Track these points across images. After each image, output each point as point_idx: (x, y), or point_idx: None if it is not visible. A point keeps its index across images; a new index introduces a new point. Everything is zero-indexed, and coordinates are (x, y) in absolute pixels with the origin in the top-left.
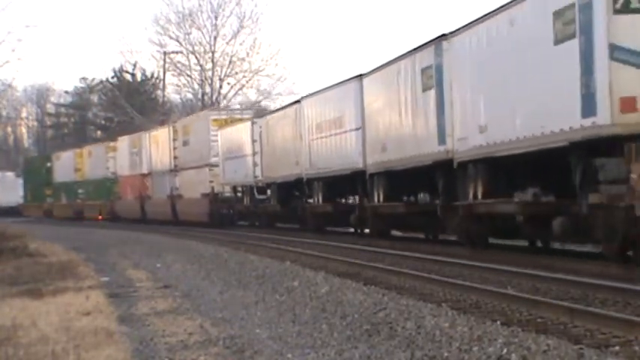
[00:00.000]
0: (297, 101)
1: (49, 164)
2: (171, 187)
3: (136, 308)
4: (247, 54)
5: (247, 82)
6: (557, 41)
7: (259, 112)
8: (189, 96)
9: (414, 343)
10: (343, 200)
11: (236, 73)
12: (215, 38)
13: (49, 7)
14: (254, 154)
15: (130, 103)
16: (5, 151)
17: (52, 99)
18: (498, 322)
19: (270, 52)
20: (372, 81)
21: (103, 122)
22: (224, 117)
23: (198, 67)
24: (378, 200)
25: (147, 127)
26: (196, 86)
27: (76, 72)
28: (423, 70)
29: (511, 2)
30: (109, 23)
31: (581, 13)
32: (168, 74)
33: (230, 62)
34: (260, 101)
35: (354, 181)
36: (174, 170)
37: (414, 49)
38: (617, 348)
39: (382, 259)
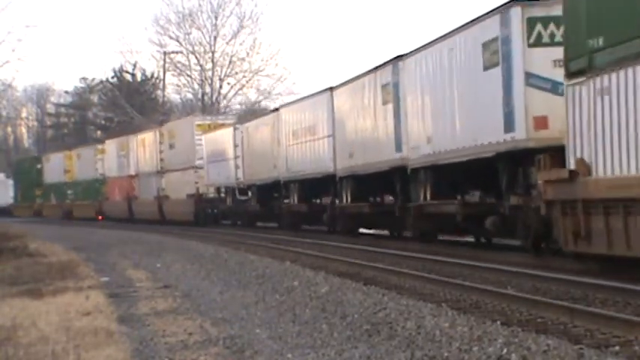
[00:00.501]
0: (276, 109)
1: (39, 166)
2: (158, 188)
3: (136, 308)
4: (247, 54)
5: (247, 82)
6: (486, 68)
7: (241, 118)
8: (189, 96)
9: (414, 343)
10: (317, 201)
11: (236, 73)
12: (215, 38)
13: (49, 7)
14: (236, 157)
15: (130, 103)
16: (5, 151)
17: (52, 99)
18: (498, 322)
19: (270, 52)
20: (341, 93)
21: (103, 122)
22: (208, 122)
23: (198, 67)
24: (347, 201)
25: (146, 127)
26: (196, 86)
27: (76, 72)
28: (383, 86)
29: (451, 32)
30: (109, 23)
31: (503, 45)
32: (168, 74)
33: (230, 62)
34: (260, 101)
35: (326, 183)
36: (161, 172)
37: (376, 67)
38: (617, 348)
39: (382, 259)
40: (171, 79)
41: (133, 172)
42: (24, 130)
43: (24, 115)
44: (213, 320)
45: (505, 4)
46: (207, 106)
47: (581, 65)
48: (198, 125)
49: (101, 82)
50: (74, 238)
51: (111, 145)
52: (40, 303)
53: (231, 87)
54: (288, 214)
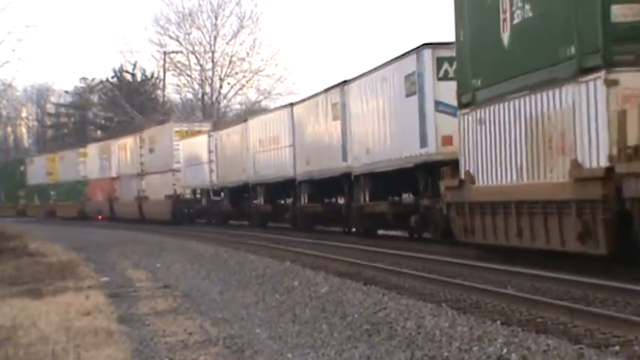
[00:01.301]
0: (245, 120)
1: (22, 168)
2: (138, 189)
3: (136, 308)
4: (247, 54)
5: (247, 82)
6: (407, 95)
7: (215, 126)
8: (189, 96)
9: (414, 343)
10: (281, 201)
11: (236, 73)
12: (215, 38)
13: (49, 7)
14: (210, 162)
15: (130, 103)
16: (5, 151)
17: (52, 99)
18: (498, 322)
19: (270, 52)
20: (300, 109)
21: (103, 122)
22: (185, 129)
23: (198, 67)
24: (305, 201)
25: (147, 126)
26: (196, 86)
27: (76, 72)
28: (333, 105)
29: (383, 65)
30: (109, 23)
31: (418, 78)
32: (168, 74)
33: (230, 62)
34: (260, 101)
35: (287, 186)
36: (141, 174)
37: (328, 88)
38: (617, 348)
39: (382, 259)
40: (171, 79)
41: (114, 175)
42: (24, 130)
43: (24, 115)
44: (213, 320)
45: (420, 46)
46: (207, 106)
47: (467, 99)
48: (177, 131)
49: (101, 82)
50: (74, 238)
51: (93, 149)
52: (40, 303)
53: (231, 87)
54: (256, 213)
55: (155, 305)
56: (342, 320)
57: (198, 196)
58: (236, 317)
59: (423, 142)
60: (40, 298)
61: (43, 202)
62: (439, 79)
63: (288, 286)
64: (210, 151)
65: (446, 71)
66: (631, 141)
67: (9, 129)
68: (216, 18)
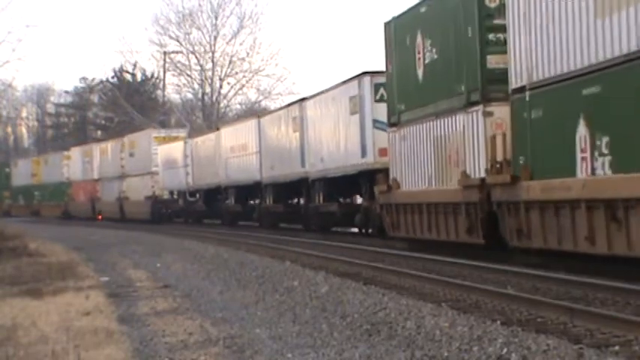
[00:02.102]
0: (218, 129)
1: (7, 170)
2: (119, 190)
3: (136, 308)
4: (247, 54)
5: (247, 82)
6: (351, 113)
7: (191, 133)
8: (189, 96)
9: (414, 343)
10: (250, 202)
11: (236, 73)
12: (215, 38)
13: (49, 7)
14: (186, 166)
15: (130, 103)
16: (5, 151)
17: (52, 99)
18: (498, 322)
19: (270, 52)
20: (266, 121)
21: (103, 122)
22: (163, 135)
23: (198, 67)
24: (270, 202)
25: (147, 126)
26: (196, 86)
27: (76, 72)
28: (293, 119)
29: (333, 87)
30: (109, 23)
31: (360, 100)
32: (168, 74)
33: (230, 62)
34: (260, 101)
35: (255, 189)
36: (122, 177)
37: (289, 104)
38: (617, 348)
39: (382, 259)
40: (171, 79)
41: (96, 177)
42: (24, 130)
43: (24, 115)
44: (213, 320)
45: (361, 73)
46: (207, 106)
47: (394, 120)
48: (155, 137)
49: (101, 82)
50: (74, 238)
51: (76, 153)
52: (40, 303)
53: (231, 87)
54: (227, 212)
55: (155, 305)
56: (342, 320)
57: (175, 197)
58: (236, 317)
59: (364, 153)
60: (40, 298)
61: (28, 203)
62: (376, 101)
63: (288, 286)
64: (186, 156)
65: (382, 95)
66: (499, 158)
67: (9, 129)
68: (216, 18)
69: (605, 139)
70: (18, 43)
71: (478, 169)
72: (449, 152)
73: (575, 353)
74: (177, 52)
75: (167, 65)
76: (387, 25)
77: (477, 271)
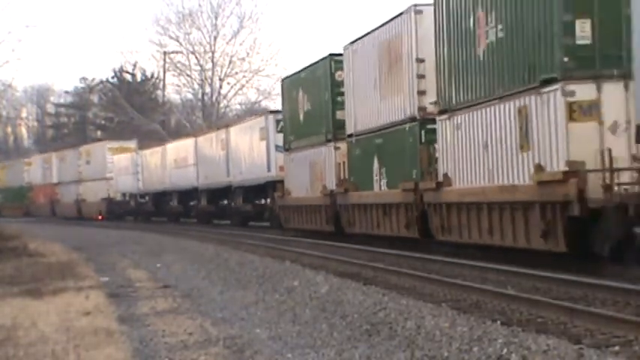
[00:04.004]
0: (164, 144)
1: None
2: (77, 193)
3: (135, 308)
4: (247, 54)
5: (247, 82)
6: (261, 140)
7: (141, 145)
8: (189, 96)
9: (414, 343)
10: (190, 203)
11: (236, 73)
12: (215, 38)
13: (49, 7)
14: (136, 173)
15: (130, 103)
16: (5, 151)
17: (52, 99)
18: (498, 322)
19: (270, 52)
20: (201, 140)
21: (103, 122)
22: (116, 146)
23: (198, 67)
24: (204, 203)
25: (146, 126)
26: (196, 86)
27: (76, 72)
28: (221, 140)
29: (248, 118)
30: (109, 23)
31: (266, 131)
32: (168, 74)
33: (230, 62)
34: (260, 101)
35: (193, 193)
36: (79, 181)
37: (218, 128)
38: (617, 348)
39: (382, 259)
40: (171, 79)
41: (55, 181)
42: (24, 130)
43: (24, 115)
44: (213, 320)
45: (268, 112)
46: (207, 106)
47: (287, 146)
48: (109, 148)
49: (101, 82)
50: (74, 238)
51: (37, 160)
52: (40, 303)
53: (231, 87)
54: (171, 212)
55: (155, 305)
56: (342, 320)
57: (127, 198)
58: (236, 317)
59: (269, 169)
60: (40, 298)
61: None
62: (278, 131)
63: (288, 286)
64: (137, 165)
65: (281, 127)
66: (341, 177)
67: (9, 129)
68: (216, 18)
69: (384, 169)
70: (18, 43)
71: (331, 184)
72: (317, 171)
73: (575, 353)
74: (177, 52)
75: (167, 65)
76: (282, 81)
77: (477, 271)
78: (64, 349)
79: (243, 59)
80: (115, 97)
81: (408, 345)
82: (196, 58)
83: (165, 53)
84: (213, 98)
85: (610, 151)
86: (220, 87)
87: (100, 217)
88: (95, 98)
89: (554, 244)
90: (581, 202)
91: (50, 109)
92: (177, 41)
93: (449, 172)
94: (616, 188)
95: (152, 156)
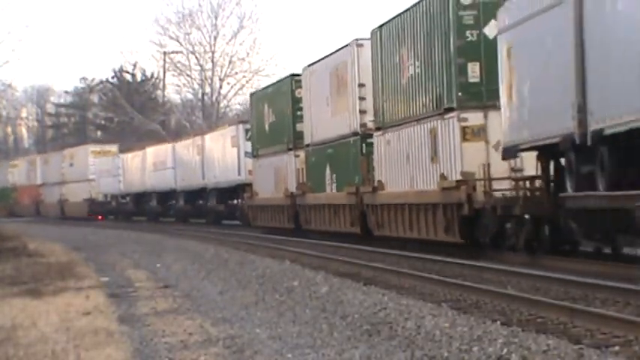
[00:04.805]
0: (144, 148)
1: None
2: (60, 194)
3: (136, 308)
4: (247, 54)
5: (247, 82)
6: (232, 146)
7: (122, 149)
8: (190, 96)
9: (414, 343)
10: (168, 203)
11: (236, 73)
12: (215, 38)
13: (50, 7)
14: (118, 175)
15: (130, 103)
16: (5, 151)
17: (52, 99)
18: (498, 322)
19: (271, 52)
20: (179, 146)
21: (103, 122)
22: (98, 149)
23: (198, 67)
24: (182, 203)
25: (146, 126)
26: (196, 86)
27: (76, 72)
28: (198, 146)
29: (220, 128)
30: (109, 23)
31: (237, 138)
32: (168, 74)
33: (230, 62)
34: None
35: (171, 194)
36: (63, 183)
37: (195, 135)
38: (617, 348)
39: (382, 259)
40: (171, 79)
41: (39, 182)
42: (24, 130)
43: (24, 115)
44: (213, 320)
45: (238, 122)
46: (207, 106)
47: (255, 153)
48: (92, 152)
49: (101, 82)
50: (73, 238)
51: (22, 162)
52: (40, 303)
53: (231, 87)
54: (151, 211)
55: (155, 305)
56: (342, 320)
57: (108, 199)
58: (236, 317)
59: (239, 173)
60: (40, 298)
61: None
62: (247, 139)
63: (288, 286)
64: (118, 167)
65: (250, 136)
66: (300, 181)
67: (9, 129)
68: (216, 18)
69: (334, 175)
70: (18, 43)
71: (292, 186)
72: (280, 175)
73: (575, 353)
74: (177, 52)
75: (167, 65)
76: (251, 96)
77: (477, 271)
78: (64, 349)
79: (243, 59)
80: (115, 97)
81: (408, 345)
82: (196, 58)
83: (165, 53)
84: (213, 98)
85: (489, 165)
86: (220, 87)
87: (99, 218)
88: (95, 98)
89: (452, 237)
90: (469, 203)
91: (50, 109)
92: (178, 41)
93: (382, 179)
94: (496, 193)
95: (133, 159)
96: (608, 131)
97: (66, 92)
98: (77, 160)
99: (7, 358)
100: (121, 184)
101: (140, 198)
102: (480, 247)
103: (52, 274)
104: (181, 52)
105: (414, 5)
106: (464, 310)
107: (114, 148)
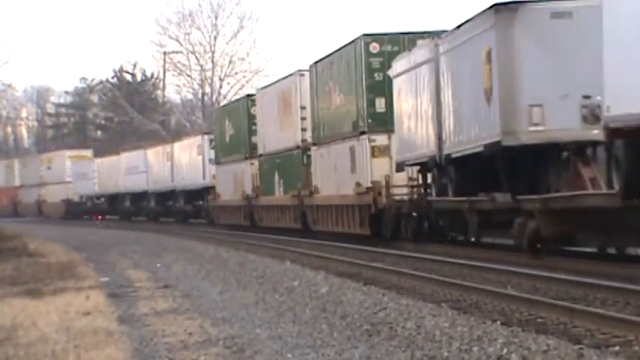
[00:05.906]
0: (118, 153)
1: None
2: (39, 195)
3: (135, 308)
4: (247, 54)
5: (247, 82)
6: (198, 154)
7: (96, 154)
8: (190, 96)
9: (414, 343)
10: (140, 204)
11: (236, 73)
12: (215, 38)
13: (50, 7)
14: (93, 177)
15: (130, 103)
16: (5, 151)
17: (52, 99)
18: (498, 322)
19: (270, 52)
20: (150, 153)
21: (103, 122)
22: (75, 154)
23: (198, 67)
24: (153, 204)
25: (146, 126)
26: (196, 86)
27: (76, 72)
28: (167, 153)
29: (188, 138)
30: (109, 23)
31: (202, 147)
32: (168, 74)
33: (230, 62)
34: None
35: (143, 195)
36: (41, 185)
37: (164, 144)
38: (617, 348)
39: (382, 259)
40: (171, 79)
41: (18, 184)
42: (24, 130)
43: (24, 115)
44: (213, 320)
45: (202, 133)
46: (207, 106)
47: (218, 160)
48: (69, 156)
49: (101, 82)
50: (73, 238)
51: (0, 165)
52: (40, 303)
53: (231, 87)
54: (124, 211)
55: (155, 305)
56: (342, 320)
57: (84, 200)
58: (236, 317)
59: (204, 177)
60: (40, 298)
61: None
62: (211, 148)
63: (288, 286)
64: (94, 171)
65: (214, 145)
66: (255, 185)
67: (9, 129)
68: (216, 18)
69: (282, 181)
70: (18, 43)
71: (248, 190)
72: (239, 180)
73: (575, 353)
74: (177, 52)
75: (167, 65)
76: (213, 111)
77: (477, 271)
78: (64, 349)
79: (243, 59)
80: (115, 97)
81: (408, 345)
82: (196, 58)
83: (165, 53)
84: (213, 98)
85: (389, 176)
86: (220, 87)
87: (99, 218)
88: (95, 98)
89: (365, 230)
90: (375, 205)
91: (50, 109)
92: (177, 41)
93: (318, 184)
94: (396, 197)
95: (108, 163)
96: (453, 155)
97: (66, 92)
98: (55, 163)
99: (7, 358)
100: (96, 185)
101: (114, 199)
102: (384, 238)
103: (52, 274)
104: (181, 52)
105: (339, 49)
106: (464, 310)
107: (89, 153)
